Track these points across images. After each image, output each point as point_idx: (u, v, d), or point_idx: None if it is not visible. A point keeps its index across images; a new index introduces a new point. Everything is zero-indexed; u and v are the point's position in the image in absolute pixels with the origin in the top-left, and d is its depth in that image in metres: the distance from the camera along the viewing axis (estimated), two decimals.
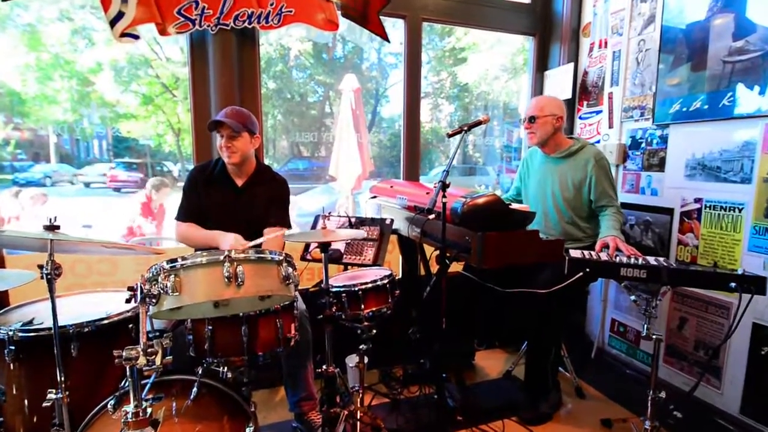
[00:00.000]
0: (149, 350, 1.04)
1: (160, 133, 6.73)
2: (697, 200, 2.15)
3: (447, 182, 1.61)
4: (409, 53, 2.68)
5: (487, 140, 6.11)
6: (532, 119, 2.14)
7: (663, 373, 2.33)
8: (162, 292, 1.12)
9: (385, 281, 1.91)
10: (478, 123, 1.87)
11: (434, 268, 1.90)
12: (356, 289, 1.84)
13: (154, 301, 1.12)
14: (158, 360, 1.05)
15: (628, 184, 2.53)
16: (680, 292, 2.27)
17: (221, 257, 1.13)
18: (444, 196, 1.60)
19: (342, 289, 1.85)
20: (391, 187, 2.40)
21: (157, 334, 1.14)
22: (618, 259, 1.73)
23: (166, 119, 6.63)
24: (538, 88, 3.03)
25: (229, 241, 1.73)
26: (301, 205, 5.28)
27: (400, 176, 2.79)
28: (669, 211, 2.29)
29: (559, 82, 2.89)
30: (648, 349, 2.45)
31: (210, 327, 1.40)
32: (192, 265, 1.13)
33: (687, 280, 1.61)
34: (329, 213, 2.12)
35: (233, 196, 1.92)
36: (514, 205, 1.78)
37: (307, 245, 2.24)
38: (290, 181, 2.04)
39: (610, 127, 2.61)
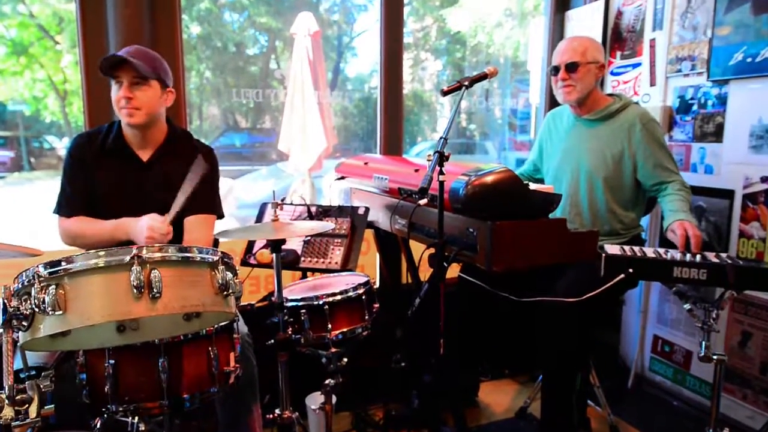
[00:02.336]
0: (19, 397, 1.00)
1: (37, 96, 6.42)
2: (765, 179, 2.19)
3: (446, 153, 1.56)
4: None
5: (488, 105, 6.15)
6: (572, 67, 2.11)
7: (720, 404, 2.37)
8: (38, 310, 1.03)
9: (360, 291, 1.89)
10: (483, 76, 1.84)
11: (424, 273, 1.87)
12: (320, 302, 1.82)
13: (25, 324, 1.03)
14: (33, 410, 1.01)
15: (674, 159, 2.55)
16: (742, 299, 2.32)
17: (127, 257, 1.05)
18: (441, 173, 1.55)
19: (301, 304, 1.82)
20: (366, 164, 2.37)
21: (32, 372, 1.08)
22: (669, 255, 1.74)
23: (46, 76, 6.33)
24: (557, 35, 3.05)
25: (144, 228, 1.64)
26: (240, 194, 5.16)
27: (373, 152, 2.77)
28: (728, 194, 2.33)
29: (585, 26, 2.92)
30: (701, 374, 2.51)
31: (112, 361, 1.34)
32: (83, 270, 1.05)
33: (760, 282, 1.63)
34: (282, 200, 2.06)
35: (136, 175, 1.84)
36: (533, 185, 1.76)
37: (250, 245, 2.18)
38: (224, 162, 1.99)
39: (652, 84, 2.64)
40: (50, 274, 1.04)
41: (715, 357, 1.68)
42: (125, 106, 1.73)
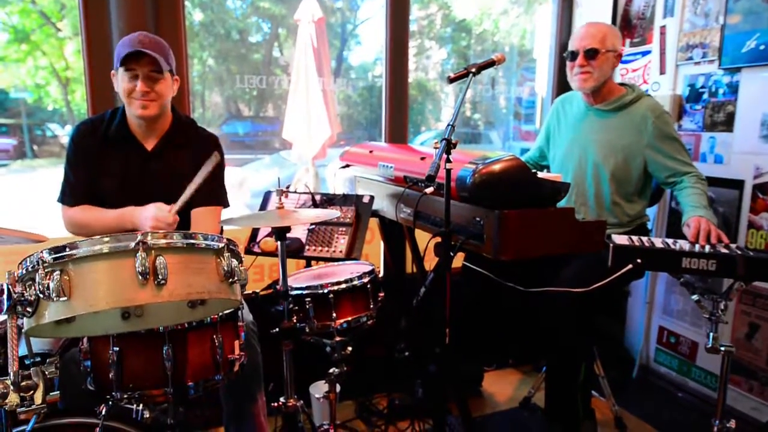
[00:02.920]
0: (24, 383, 1.00)
1: (40, 83, 6.41)
2: None
3: (453, 140, 1.54)
4: None
5: (494, 94, 6.09)
6: (591, 53, 2.07)
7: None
8: (42, 296, 1.02)
9: (365, 280, 1.88)
10: (491, 63, 1.83)
11: (429, 262, 1.86)
12: (325, 291, 1.81)
13: (29, 310, 1.03)
14: (39, 397, 1.01)
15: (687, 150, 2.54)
16: (750, 290, 2.31)
17: (132, 243, 1.04)
18: (448, 160, 1.53)
19: (305, 292, 1.81)
20: (371, 152, 2.35)
21: (37, 359, 1.08)
22: (678, 246, 1.73)
23: (48, 63, 6.31)
24: (565, 22, 3.02)
25: (149, 218, 1.64)
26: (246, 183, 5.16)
27: (377, 140, 2.75)
28: (738, 184, 2.32)
29: (594, 11, 2.89)
30: (706, 366, 2.51)
31: (117, 348, 1.33)
32: (88, 256, 1.04)
33: None
34: (287, 187, 2.05)
35: (141, 164, 1.83)
36: (541, 174, 1.74)
37: (254, 233, 2.17)
38: (227, 151, 2.00)
39: (662, 72, 2.62)
40: (55, 259, 1.04)
41: (722, 348, 1.67)
42: (140, 98, 1.72)
